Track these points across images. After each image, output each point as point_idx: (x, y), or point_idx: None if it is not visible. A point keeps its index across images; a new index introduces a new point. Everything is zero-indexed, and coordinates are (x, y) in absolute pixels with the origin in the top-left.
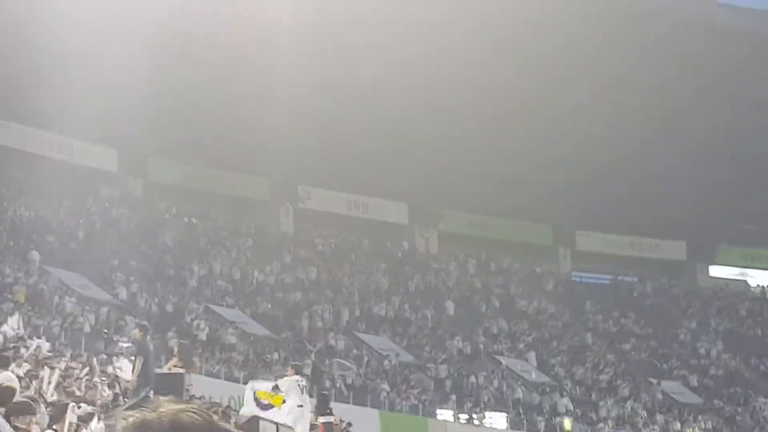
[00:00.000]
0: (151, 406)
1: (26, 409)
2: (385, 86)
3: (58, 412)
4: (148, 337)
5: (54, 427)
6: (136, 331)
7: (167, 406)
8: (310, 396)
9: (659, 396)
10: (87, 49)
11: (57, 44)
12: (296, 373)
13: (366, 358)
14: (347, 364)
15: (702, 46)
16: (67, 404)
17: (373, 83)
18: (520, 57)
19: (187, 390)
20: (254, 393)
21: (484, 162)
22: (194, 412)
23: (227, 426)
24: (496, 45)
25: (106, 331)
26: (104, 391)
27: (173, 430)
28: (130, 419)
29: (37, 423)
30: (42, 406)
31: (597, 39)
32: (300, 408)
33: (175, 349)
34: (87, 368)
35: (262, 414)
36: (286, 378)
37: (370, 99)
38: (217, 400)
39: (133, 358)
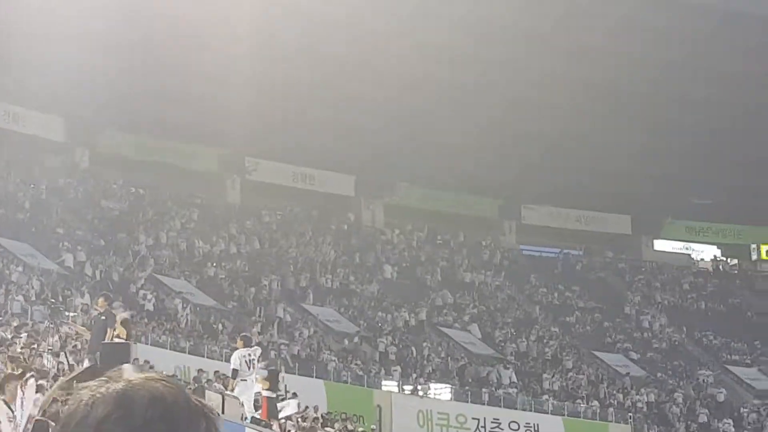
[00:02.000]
0: (112, 375)
1: None
2: (335, 57)
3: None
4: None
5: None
6: (101, 300)
7: (132, 374)
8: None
9: (603, 369)
10: (37, 19)
11: (5, 13)
12: (245, 345)
13: (312, 329)
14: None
15: (661, 20)
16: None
17: (323, 55)
18: (475, 29)
19: (137, 359)
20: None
21: (430, 135)
22: (166, 382)
23: (198, 399)
24: (452, 17)
25: (53, 300)
26: (48, 359)
27: (152, 402)
28: (102, 389)
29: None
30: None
31: (555, 11)
32: (243, 382)
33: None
34: (33, 337)
35: None
36: (235, 352)
37: (320, 71)
38: (163, 370)
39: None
